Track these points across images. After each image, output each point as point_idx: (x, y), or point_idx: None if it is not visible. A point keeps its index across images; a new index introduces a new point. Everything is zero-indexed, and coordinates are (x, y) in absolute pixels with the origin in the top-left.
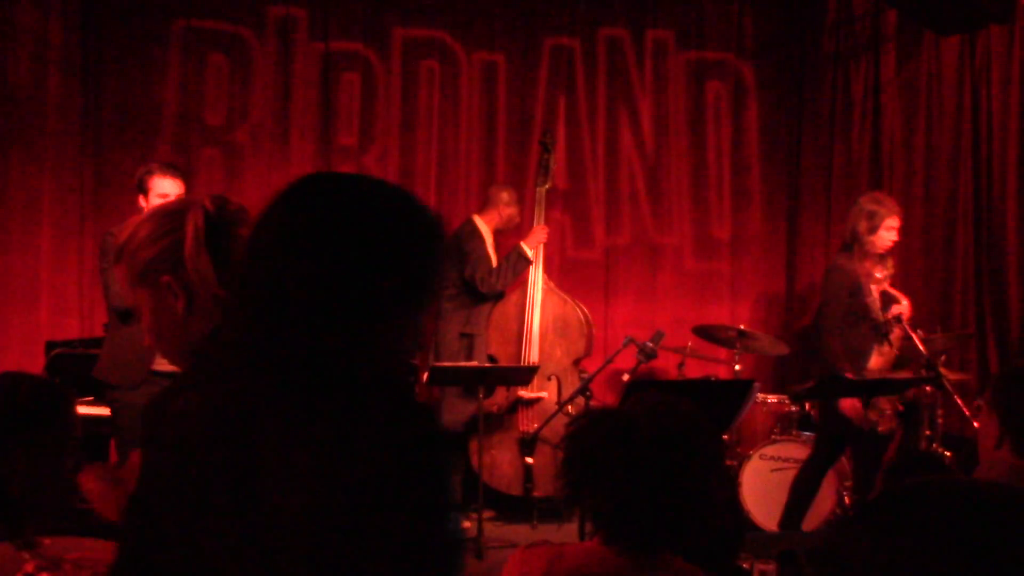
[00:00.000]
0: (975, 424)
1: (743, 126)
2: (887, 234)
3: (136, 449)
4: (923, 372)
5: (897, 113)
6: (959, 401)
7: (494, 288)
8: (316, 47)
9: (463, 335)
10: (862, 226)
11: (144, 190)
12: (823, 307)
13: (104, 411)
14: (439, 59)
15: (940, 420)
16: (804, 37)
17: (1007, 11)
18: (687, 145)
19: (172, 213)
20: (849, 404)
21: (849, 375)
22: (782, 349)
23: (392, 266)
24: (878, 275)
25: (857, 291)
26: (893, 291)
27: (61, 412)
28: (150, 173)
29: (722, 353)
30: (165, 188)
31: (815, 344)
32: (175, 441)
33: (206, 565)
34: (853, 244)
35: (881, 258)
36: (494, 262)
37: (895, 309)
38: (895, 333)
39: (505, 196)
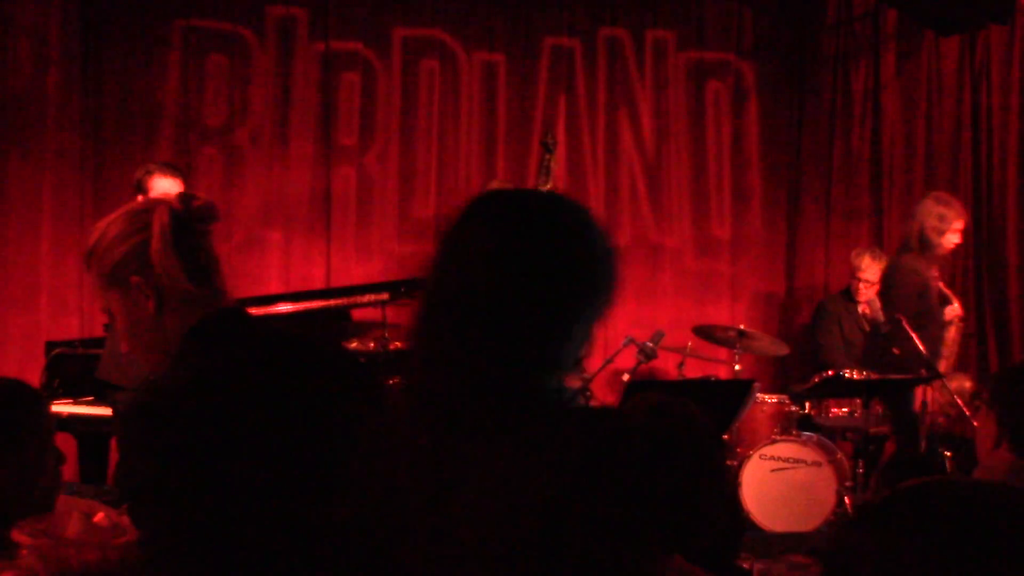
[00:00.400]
0: (975, 424)
1: (743, 126)
2: (953, 236)
3: (61, 495)
4: (923, 372)
5: (897, 113)
6: (959, 401)
7: None
8: (316, 47)
9: None
10: (932, 227)
11: (144, 190)
12: (890, 308)
13: (104, 411)
14: (439, 59)
15: (940, 420)
16: (804, 37)
17: (1007, 11)
18: (687, 145)
19: (139, 212)
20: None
21: (847, 374)
22: (782, 349)
23: (581, 278)
24: (935, 274)
25: (925, 293)
26: (947, 291)
27: (39, 411)
28: (150, 173)
29: (722, 353)
30: (165, 188)
31: (883, 344)
32: (383, 451)
33: (412, 565)
34: (919, 244)
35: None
36: None
37: (948, 312)
38: (951, 334)
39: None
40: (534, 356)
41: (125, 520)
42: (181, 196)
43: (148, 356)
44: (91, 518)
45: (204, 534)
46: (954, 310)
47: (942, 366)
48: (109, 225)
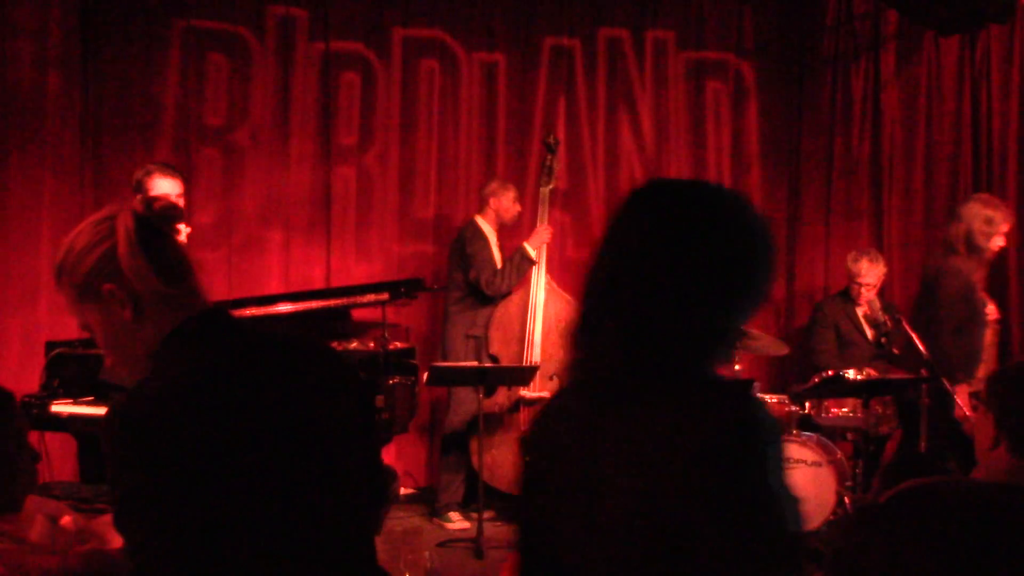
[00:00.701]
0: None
1: (743, 126)
2: (999, 239)
3: (31, 495)
4: (923, 372)
5: (897, 113)
6: (959, 401)
7: (499, 290)
8: (316, 47)
9: (468, 336)
10: (980, 230)
11: (143, 191)
12: (936, 311)
13: (104, 411)
14: (439, 59)
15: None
16: (804, 37)
17: (1007, 11)
18: (687, 145)
19: (102, 220)
20: (961, 410)
21: (847, 374)
22: (782, 349)
23: (740, 267)
24: (980, 277)
25: (970, 295)
26: (983, 293)
27: (11, 410)
28: (149, 174)
29: None
30: (165, 188)
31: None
32: (547, 434)
33: (570, 541)
34: (966, 247)
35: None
36: (499, 262)
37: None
38: (988, 338)
39: (495, 186)
40: (690, 340)
41: (93, 525)
42: (143, 200)
43: (132, 364)
44: (57, 521)
45: (191, 540)
46: (991, 312)
47: (982, 369)
48: (75, 238)
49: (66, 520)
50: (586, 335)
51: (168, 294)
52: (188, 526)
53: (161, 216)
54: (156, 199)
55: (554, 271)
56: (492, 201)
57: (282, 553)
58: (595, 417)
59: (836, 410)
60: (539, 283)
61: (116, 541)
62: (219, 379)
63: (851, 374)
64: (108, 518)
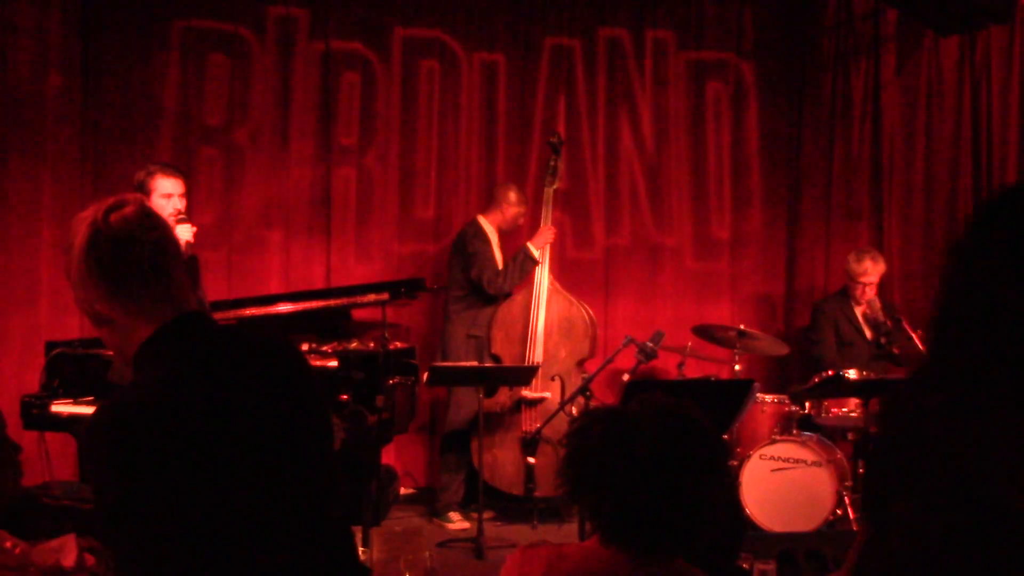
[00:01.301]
0: None
1: (743, 126)
2: None
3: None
4: None
5: (897, 113)
6: None
7: (501, 290)
8: (316, 47)
9: (470, 336)
10: None
11: (145, 192)
12: None
13: None
14: (439, 59)
15: None
16: (804, 37)
17: (1007, 11)
18: (687, 145)
19: (80, 223)
20: None
21: (847, 374)
22: (782, 349)
23: None
24: None
25: None
26: None
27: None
28: (151, 175)
29: (722, 353)
30: (167, 188)
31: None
32: (910, 434)
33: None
34: None
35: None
36: (500, 262)
37: None
38: None
39: (512, 196)
40: None
41: (34, 554)
42: (110, 207)
43: (123, 362)
44: (2, 543)
45: (178, 546)
46: None
47: None
48: (68, 231)
49: (8, 544)
50: (949, 332)
51: (128, 307)
52: (174, 532)
53: (119, 230)
54: (119, 206)
55: (554, 271)
56: (505, 207)
57: (265, 552)
58: (968, 419)
59: (836, 410)
60: (542, 283)
61: (67, 562)
62: (193, 386)
63: (851, 374)
64: (53, 544)
